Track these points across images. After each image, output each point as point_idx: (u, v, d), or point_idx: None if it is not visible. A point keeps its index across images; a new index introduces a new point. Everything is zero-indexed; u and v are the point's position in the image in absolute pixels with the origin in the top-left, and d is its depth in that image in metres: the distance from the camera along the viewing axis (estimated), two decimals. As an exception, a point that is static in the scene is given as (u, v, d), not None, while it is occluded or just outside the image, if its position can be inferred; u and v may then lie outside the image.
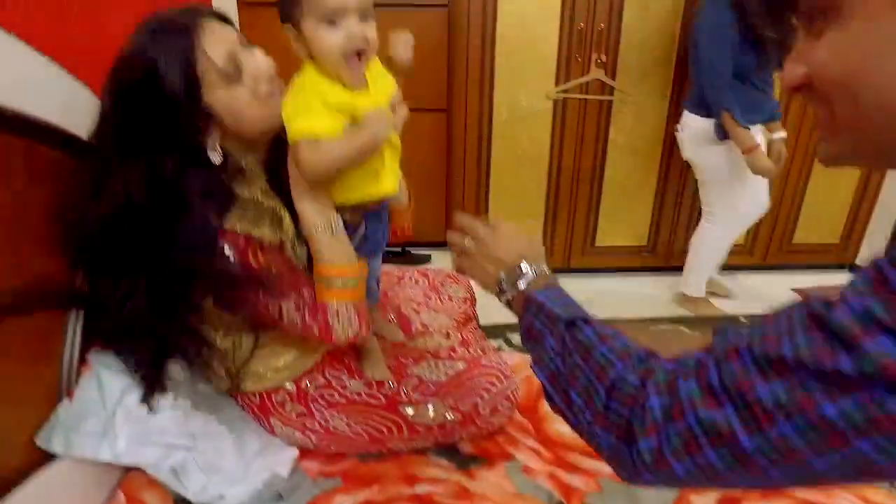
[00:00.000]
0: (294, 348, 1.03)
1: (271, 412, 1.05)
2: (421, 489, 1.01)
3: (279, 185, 0.94)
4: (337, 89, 0.84)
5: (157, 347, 0.92)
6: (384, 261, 2.63)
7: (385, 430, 1.05)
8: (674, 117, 2.32)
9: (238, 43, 0.88)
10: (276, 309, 0.90)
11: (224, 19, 0.90)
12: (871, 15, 0.39)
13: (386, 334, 1.22)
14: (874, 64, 0.39)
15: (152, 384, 0.92)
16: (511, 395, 1.13)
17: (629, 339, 0.55)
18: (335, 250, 0.92)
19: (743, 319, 1.99)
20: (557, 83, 2.29)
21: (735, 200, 2.08)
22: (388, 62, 0.93)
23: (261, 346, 1.00)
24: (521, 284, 0.73)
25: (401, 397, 1.07)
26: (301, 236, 0.94)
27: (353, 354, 1.11)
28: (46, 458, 0.84)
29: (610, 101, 2.33)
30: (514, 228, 0.84)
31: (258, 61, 0.89)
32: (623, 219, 2.56)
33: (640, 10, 2.20)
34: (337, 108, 0.83)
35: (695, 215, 2.53)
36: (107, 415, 0.88)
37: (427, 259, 2.79)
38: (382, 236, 1.09)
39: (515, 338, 1.51)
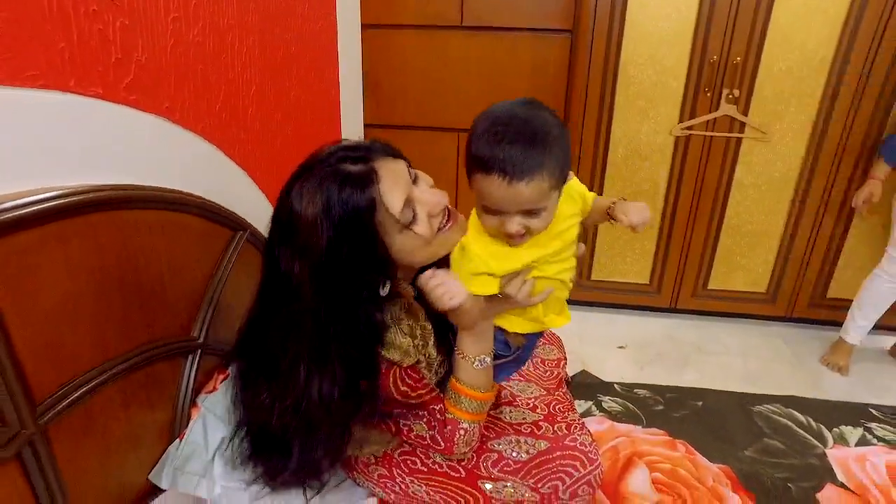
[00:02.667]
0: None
1: (354, 468, 1.09)
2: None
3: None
4: (500, 251, 0.84)
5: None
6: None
7: (462, 500, 1.05)
8: (814, 155, 2.12)
9: (409, 179, 0.85)
10: (408, 426, 0.96)
11: (393, 152, 0.88)
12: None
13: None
14: None
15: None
16: (594, 480, 1.08)
17: None
18: (478, 379, 0.93)
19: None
20: (682, 119, 2.15)
21: None
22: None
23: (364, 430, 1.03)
24: None
25: (480, 472, 1.06)
26: (437, 348, 0.96)
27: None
28: (156, 490, 0.95)
29: (739, 139, 2.15)
30: None
31: (430, 198, 0.86)
32: (741, 263, 2.38)
33: (786, 36, 2.00)
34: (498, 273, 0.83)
35: (827, 266, 2.30)
36: (207, 459, 0.96)
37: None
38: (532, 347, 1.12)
39: (607, 401, 1.45)
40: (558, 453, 1.09)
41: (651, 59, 2.10)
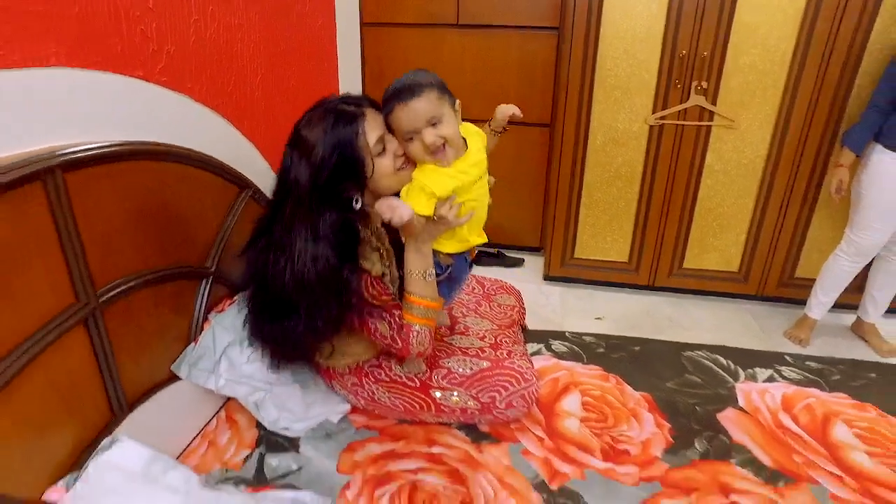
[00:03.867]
0: (364, 345, 1.33)
1: (333, 377, 1.37)
2: (436, 450, 1.27)
3: (390, 228, 1.23)
4: (436, 177, 1.13)
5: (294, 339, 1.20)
6: (479, 262, 2.90)
7: (417, 406, 1.32)
8: (779, 143, 2.29)
9: (384, 126, 1.16)
10: (374, 325, 1.21)
11: (377, 107, 1.19)
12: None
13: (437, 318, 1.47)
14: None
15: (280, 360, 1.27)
16: (527, 396, 1.33)
17: None
18: (425, 289, 1.20)
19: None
20: (655, 109, 2.34)
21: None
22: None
23: (342, 340, 1.30)
24: None
25: (432, 383, 1.32)
26: (399, 270, 1.23)
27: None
28: (176, 378, 1.25)
29: (709, 127, 2.34)
30: None
31: (396, 143, 1.17)
32: (714, 244, 2.55)
33: (749, 33, 2.18)
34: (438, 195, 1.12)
35: (794, 248, 2.46)
36: (215, 359, 1.25)
37: (521, 262, 2.96)
38: (465, 273, 1.38)
39: (556, 344, 1.69)
40: (497, 371, 1.35)
41: (626, 54, 2.30)
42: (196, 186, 1.25)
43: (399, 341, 1.21)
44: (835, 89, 2.19)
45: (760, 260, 2.51)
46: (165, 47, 1.15)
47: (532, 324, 1.78)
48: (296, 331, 1.17)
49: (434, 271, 1.22)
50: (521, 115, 1.23)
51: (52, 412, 0.94)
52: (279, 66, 1.56)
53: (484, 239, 1.28)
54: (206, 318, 1.31)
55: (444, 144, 1.12)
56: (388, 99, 1.11)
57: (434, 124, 1.10)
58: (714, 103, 2.30)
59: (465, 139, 1.18)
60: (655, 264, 2.63)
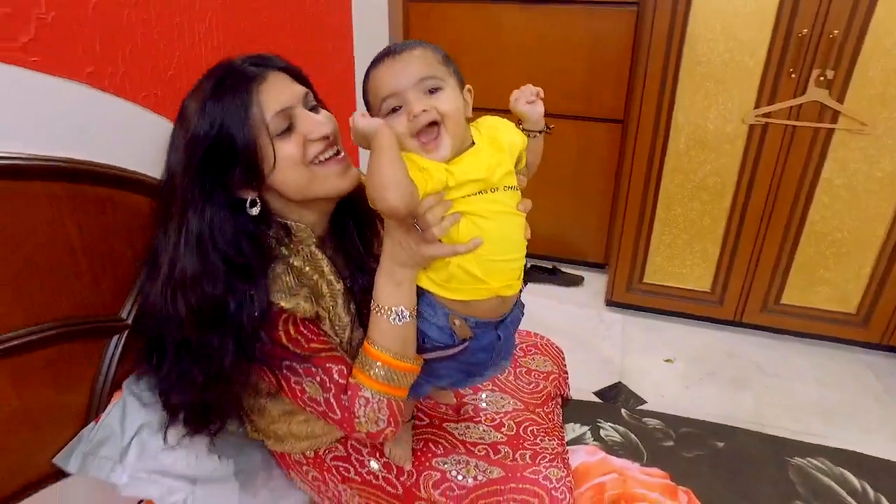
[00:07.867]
0: (319, 422, 0.95)
1: (290, 466, 1.03)
2: None
3: (340, 252, 0.93)
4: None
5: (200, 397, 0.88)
6: (532, 279, 2.45)
7: (397, 521, 0.95)
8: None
9: (302, 101, 0.84)
10: (298, 384, 0.84)
11: (297, 76, 0.87)
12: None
13: (435, 396, 1.09)
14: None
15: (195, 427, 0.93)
16: (555, 524, 0.93)
17: None
18: (393, 339, 0.81)
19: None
20: (759, 104, 1.85)
21: None
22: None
23: (289, 412, 0.95)
24: None
25: (419, 491, 0.95)
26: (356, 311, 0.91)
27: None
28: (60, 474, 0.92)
29: (830, 130, 1.82)
30: None
31: (316, 122, 0.82)
32: (825, 277, 2.04)
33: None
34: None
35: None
36: (123, 444, 0.91)
37: (579, 281, 2.58)
38: (495, 360, 0.91)
39: (606, 427, 1.26)
40: (511, 485, 0.95)
41: (724, 33, 1.81)
42: (107, 209, 0.91)
43: (338, 409, 0.82)
44: None
45: (890, 300, 1.98)
46: (36, 11, 0.80)
47: (587, 363, 1.29)
48: (194, 378, 0.84)
49: (413, 314, 0.81)
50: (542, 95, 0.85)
51: None
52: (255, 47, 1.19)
53: (515, 289, 0.84)
54: (117, 387, 0.98)
55: (438, 125, 0.75)
56: (371, 64, 0.80)
57: (431, 91, 0.76)
58: (841, 101, 1.78)
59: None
60: (745, 297, 2.16)
